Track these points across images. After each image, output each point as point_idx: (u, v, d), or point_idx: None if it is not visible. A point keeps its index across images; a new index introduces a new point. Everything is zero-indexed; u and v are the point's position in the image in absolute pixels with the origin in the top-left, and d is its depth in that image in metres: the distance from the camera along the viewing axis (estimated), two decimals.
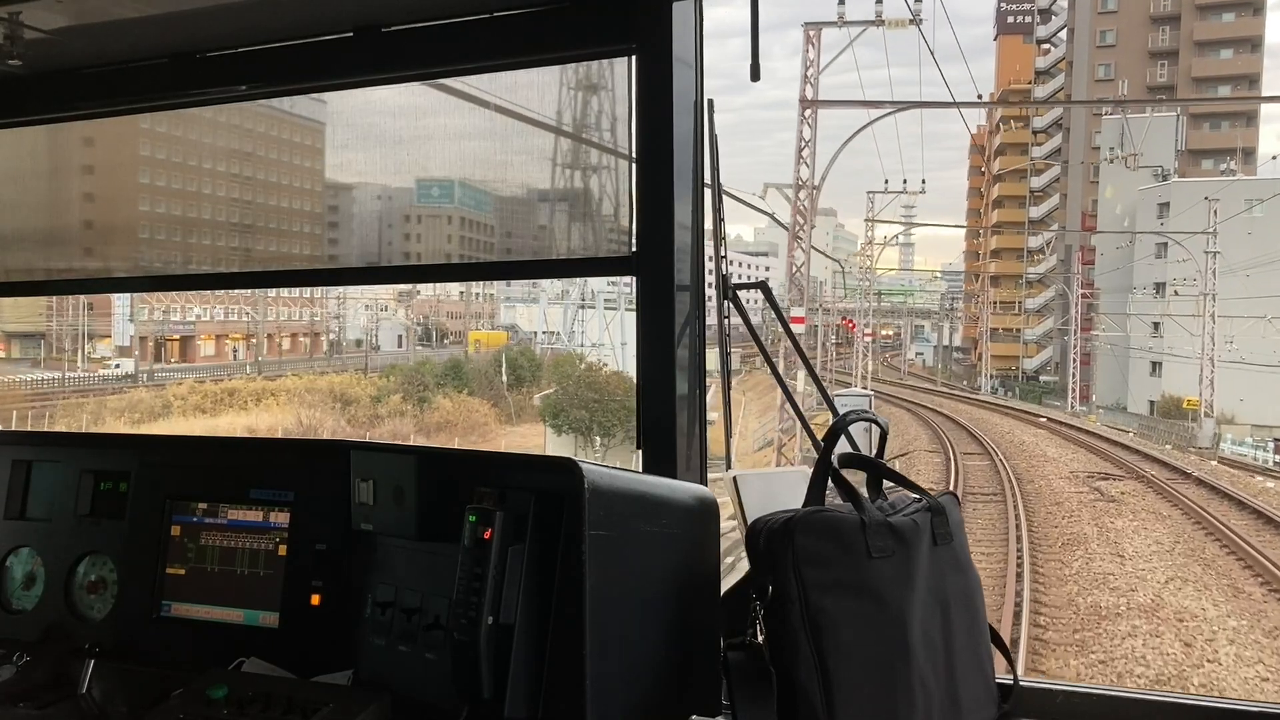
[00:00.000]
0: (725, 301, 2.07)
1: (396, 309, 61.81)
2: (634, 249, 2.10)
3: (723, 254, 2.09)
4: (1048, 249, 74.05)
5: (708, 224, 2.09)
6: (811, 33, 24.84)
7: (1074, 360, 52.02)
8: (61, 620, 2.06)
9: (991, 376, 70.10)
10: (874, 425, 1.75)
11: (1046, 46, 79.93)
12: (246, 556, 1.97)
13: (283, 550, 1.94)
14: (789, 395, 2.11)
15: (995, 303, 74.78)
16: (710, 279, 2.10)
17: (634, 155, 2.09)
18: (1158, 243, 52.14)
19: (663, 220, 2.03)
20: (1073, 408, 49.21)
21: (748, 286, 2.14)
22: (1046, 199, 77.17)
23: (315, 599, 1.88)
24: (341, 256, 2.76)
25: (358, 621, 1.83)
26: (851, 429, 1.73)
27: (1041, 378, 70.77)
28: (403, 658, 1.73)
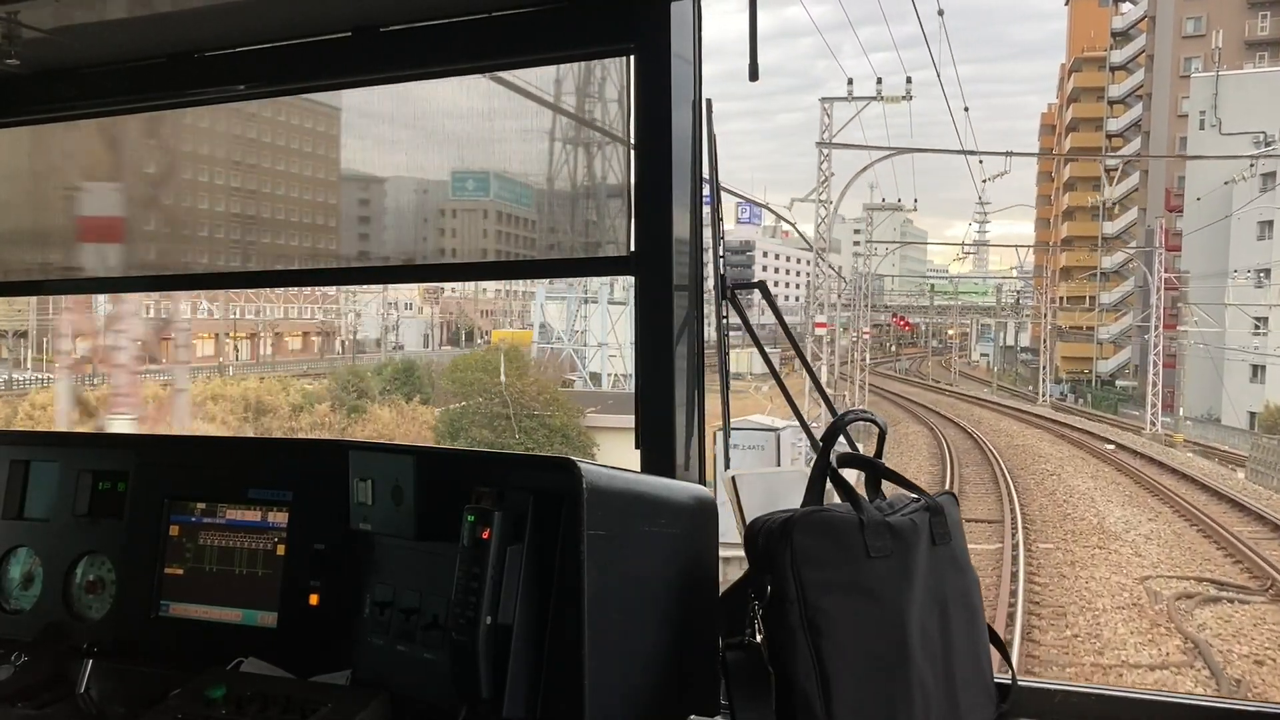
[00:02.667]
0: (724, 301, 2.25)
1: (422, 306, 61.79)
2: (632, 249, 2.24)
3: (720, 254, 2.26)
4: (1113, 211, 69.26)
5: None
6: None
7: (1155, 362, 43.26)
8: (60, 620, 2.21)
9: (1061, 380, 64.50)
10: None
11: (1125, 6, 74.31)
12: (245, 556, 2.12)
13: (281, 550, 2.09)
14: (787, 395, 2.28)
15: (1063, 298, 69.80)
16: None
17: (632, 155, 2.22)
18: (1260, 221, 46.56)
19: (661, 220, 2.16)
20: (1153, 425, 40.42)
21: (746, 286, 2.32)
22: (1125, 178, 72.00)
23: (313, 599, 2.03)
24: (334, 255, 2.95)
25: (356, 621, 1.96)
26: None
27: (1118, 382, 65.48)
28: (401, 657, 1.86)
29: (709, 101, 2.22)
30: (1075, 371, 69.59)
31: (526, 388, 29.65)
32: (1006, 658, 1.98)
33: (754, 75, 2.12)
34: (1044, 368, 58.34)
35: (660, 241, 2.17)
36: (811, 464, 1.86)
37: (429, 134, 2.59)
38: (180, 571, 2.18)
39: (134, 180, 3.08)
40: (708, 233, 2.24)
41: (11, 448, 2.41)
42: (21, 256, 3.27)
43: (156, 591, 2.18)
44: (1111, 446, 32.47)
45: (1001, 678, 1.93)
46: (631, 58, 2.22)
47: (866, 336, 42.92)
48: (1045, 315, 63.89)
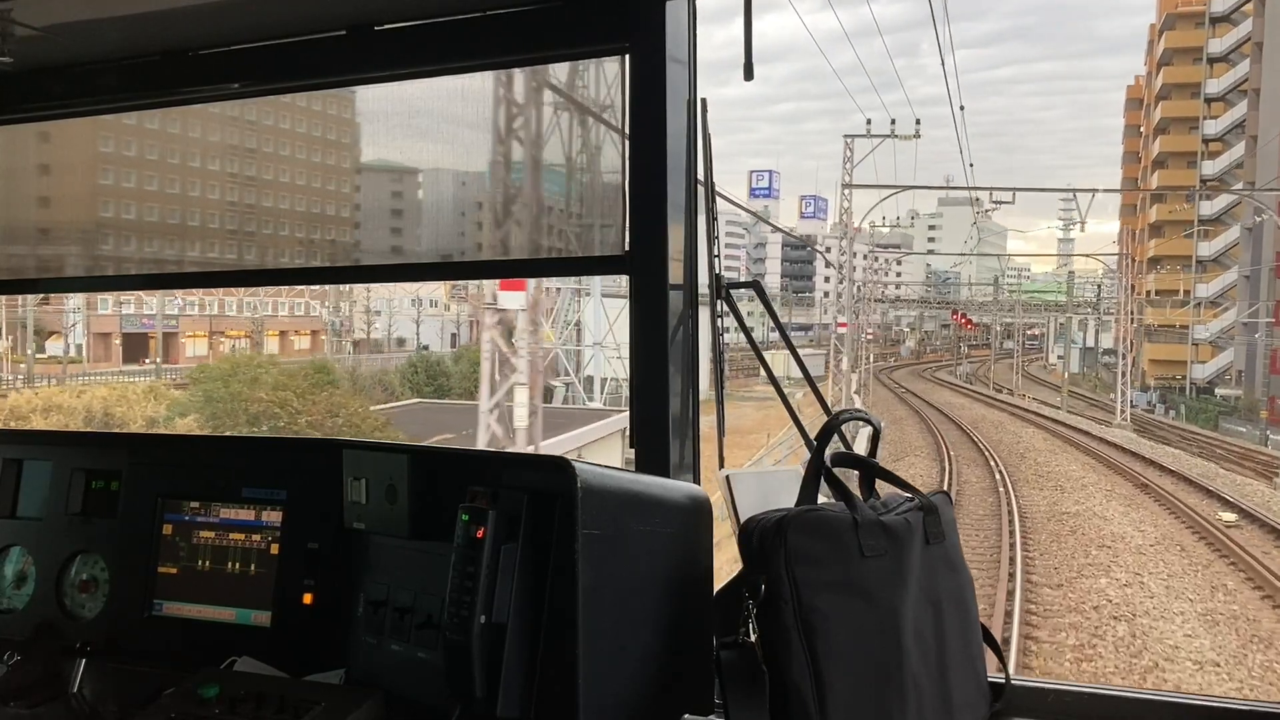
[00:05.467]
0: (718, 301, 2.24)
1: (448, 303, 61.09)
2: (627, 247, 2.24)
3: (715, 253, 2.26)
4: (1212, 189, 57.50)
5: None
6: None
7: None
8: (53, 619, 2.20)
9: (1148, 387, 54.92)
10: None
11: None
12: (239, 555, 2.11)
13: (275, 549, 2.08)
14: (785, 398, 2.28)
15: (1151, 292, 60.16)
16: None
17: (627, 153, 2.23)
18: None
19: (656, 219, 2.17)
20: None
21: (741, 285, 2.32)
22: (1226, 150, 61.69)
23: (307, 598, 2.02)
24: (333, 252, 2.95)
25: (350, 620, 1.96)
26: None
27: (1217, 390, 53.98)
28: (395, 657, 1.85)
29: (704, 101, 2.22)
30: (1165, 377, 58.90)
31: (310, 406, 22.58)
32: (1001, 657, 1.99)
33: (749, 75, 2.13)
34: (1123, 375, 44.64)
35: (655, 240, 2.18)
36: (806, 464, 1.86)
37: (425, 128, 2.59)
38: (174, 570, 2.17)
39: (132, 174, 3.06)
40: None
41: (4, 446, 2.40)
42: (16, 254, 3.26)
43: (150, 590, 2.18)
44: (1232, 517, 18.64)
45: (995, 677, 1.94)
46: (626, 57, 2.22)
47: (871, 336, 41.16)
48: (1127, 310, 49.67)
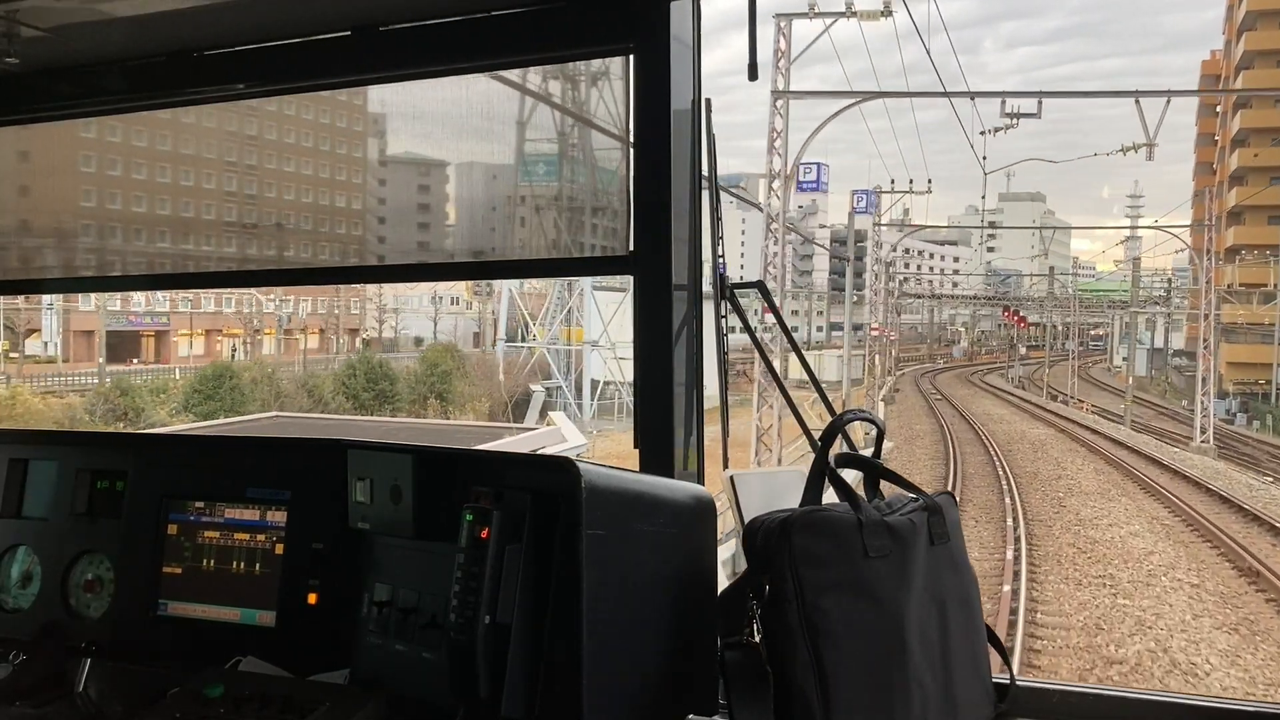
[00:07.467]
0: (722, 301, 2.24)
1: (470, 301, 60.30)
2: (631, 248, 2.23)
3: (719, 253, 2.26)
4: None
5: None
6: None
7: None
8: (58, 619, 2.20)
9: (1226, 394, 47.70)
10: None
11: None
12: (243, 555, 2.11)
13: (280, 549, 2.08)
14: (788, 399, 2.28)
15: (1230, 285, 52.45)
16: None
17: (632, 154, 2.22)
18: None
19: (660, 219, 2.16)
20: None
21: (745, 286, 2.32)
22: None
23: (312, 598, 2.02)
24: (343, 251, 2.95)
25: (354, 620, 1.96)
26: None
27: None
28: (399, 657, 1.85)
29: (708, 100, 2.22)
30: (1246, 381, 51.03)
31: None
32: (1005, 657, 1.98)
33: (753, 75, 2.13)
34: (1204, 382, 35.01)
35: (659, 240, 2.17)
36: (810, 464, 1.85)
37: (430, 129, 2.59)
38: (179, 570, 2.17)
39: (141, 172, 3.06)
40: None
41: (10, 446, 2.40)
42: (21, 254, 3.26)
43: (155, 590, 2.17)
44: None
45: (1000, 677, 1.93)
46: (631, 56, 2.21)
47: (876, 333, 38.60)
48: (1207, 296, 39.51)
